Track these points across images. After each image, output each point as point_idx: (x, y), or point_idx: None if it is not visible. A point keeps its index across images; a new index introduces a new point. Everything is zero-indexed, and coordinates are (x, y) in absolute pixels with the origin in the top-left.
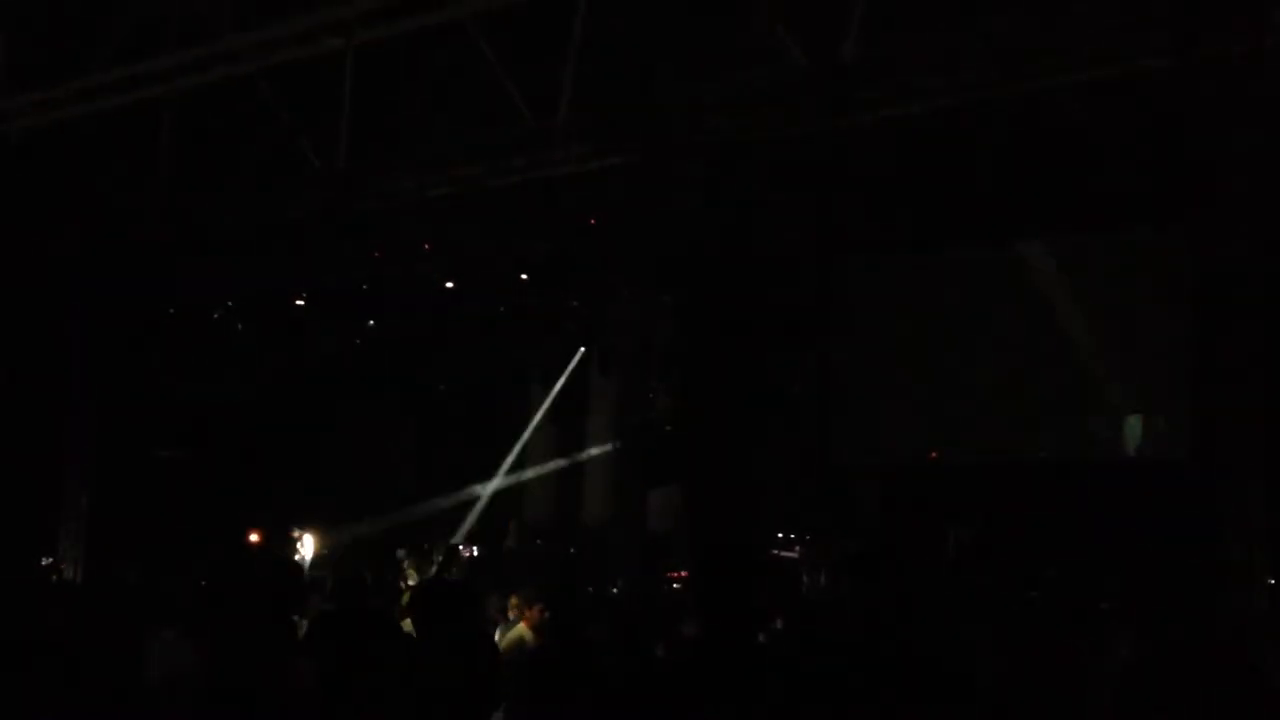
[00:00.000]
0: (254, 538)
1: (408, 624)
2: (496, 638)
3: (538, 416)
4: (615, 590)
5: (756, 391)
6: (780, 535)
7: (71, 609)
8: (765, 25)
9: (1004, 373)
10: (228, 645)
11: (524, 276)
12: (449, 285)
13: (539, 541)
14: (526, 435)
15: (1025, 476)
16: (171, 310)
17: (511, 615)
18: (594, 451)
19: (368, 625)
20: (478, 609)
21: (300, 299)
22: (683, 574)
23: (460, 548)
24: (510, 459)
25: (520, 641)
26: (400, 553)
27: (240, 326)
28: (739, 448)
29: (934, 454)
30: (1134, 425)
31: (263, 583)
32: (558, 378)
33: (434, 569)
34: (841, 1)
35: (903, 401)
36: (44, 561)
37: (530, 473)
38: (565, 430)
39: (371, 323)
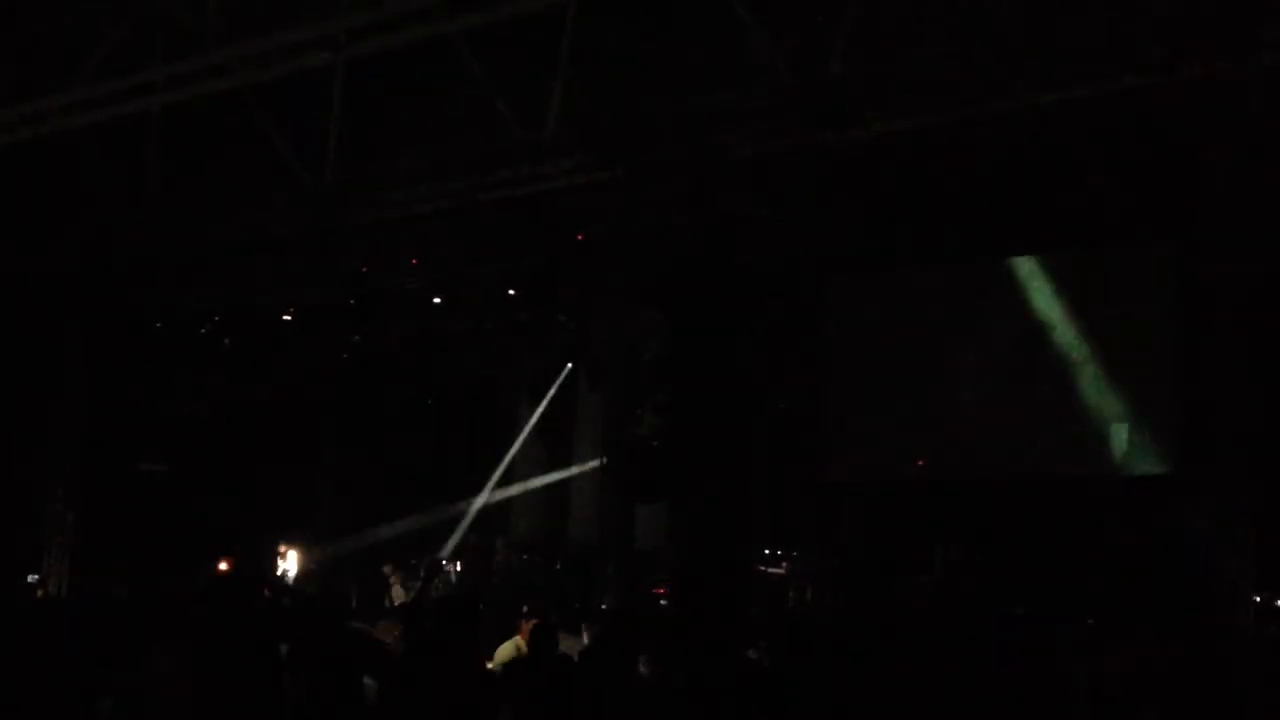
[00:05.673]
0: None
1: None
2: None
3: (525, 432)
4: (602, 606)
5: (745, 407)
6: (767, 551)
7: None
8: (753, 42)
9: (993, 388)
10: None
11: (512, 291)
12: (437, 300)
13: (525, 557)
14: (514, 450)
15: (1013, 492)
16: (158, 324)
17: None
18: (582, 467)
19: (352, 642)
20: (462, 625)
21: (287, 313)
22: (670, 590)
23: (445, 563)
24: (498, 474)
25: (515, 655)
26: (386, 569)
27: (227, 341)
28: (727, 464)
29: (921, 462)
30: (1121, 441)
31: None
32: (545, 393)
33: (419, 585)
34: (828, 19)
35: (892, 418)
36: (30, 579)
37: (517, 488)
38: (553, 446)
39: (358, 337)
